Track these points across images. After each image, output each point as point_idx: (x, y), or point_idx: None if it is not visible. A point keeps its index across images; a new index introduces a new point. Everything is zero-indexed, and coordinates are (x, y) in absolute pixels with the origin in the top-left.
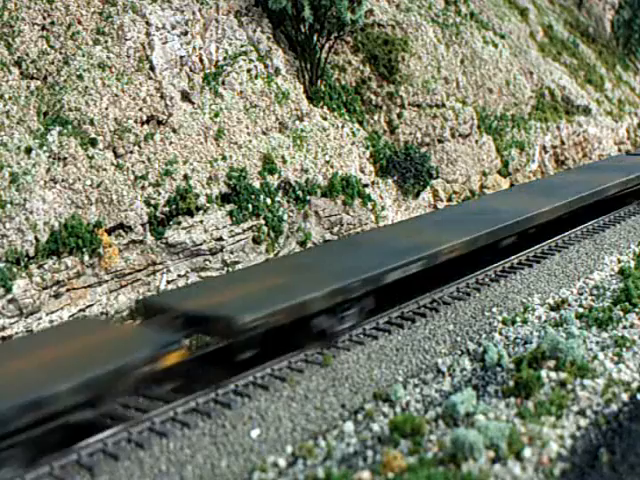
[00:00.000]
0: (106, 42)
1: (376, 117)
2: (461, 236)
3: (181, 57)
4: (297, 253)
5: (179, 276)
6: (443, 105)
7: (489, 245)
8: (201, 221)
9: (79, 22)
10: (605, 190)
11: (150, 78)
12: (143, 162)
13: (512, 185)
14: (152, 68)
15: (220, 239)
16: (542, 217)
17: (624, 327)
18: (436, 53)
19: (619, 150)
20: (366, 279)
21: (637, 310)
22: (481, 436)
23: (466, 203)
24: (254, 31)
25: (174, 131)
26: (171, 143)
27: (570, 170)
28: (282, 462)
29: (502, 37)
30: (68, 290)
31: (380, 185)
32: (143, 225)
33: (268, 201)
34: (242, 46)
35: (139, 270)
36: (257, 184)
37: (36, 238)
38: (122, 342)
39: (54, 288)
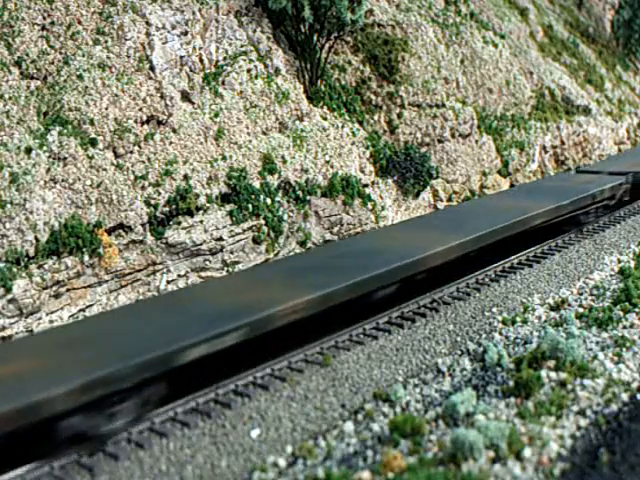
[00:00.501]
0: (106, 42)
1: (376, 117)
2: (310, 291)
3: (181, 57)
4: (78, 322)
5: (179, 276)
6: (443, 105)
7: (354, 300)
8: (201, 221)
9: (79, 22)
10: (529, 220)
11: (150, 78)
12: (143, 162)
13: (512, 185)
14: (152, 68)
15: (220, 239)
16: (434, 259)
17: (624, 327)
18: (436, 53)
19: (619, 150)
20: (145, 363)
21: (637, 310)
22: (481, 436)
23: (341, 243)
24: (254, 31)
25: (174, 131)
26: (171, 143)
27: (499, 193)
28: (282, 462)
29: (502, 37)
30: (68, 290)
31: (380, 185)
32: (143, 225)
33: (268, 201)
34: (242, 46)
35: (139, 270)
36: (257, 184)
37: (36, 238)
38: None
39: (54, 288)
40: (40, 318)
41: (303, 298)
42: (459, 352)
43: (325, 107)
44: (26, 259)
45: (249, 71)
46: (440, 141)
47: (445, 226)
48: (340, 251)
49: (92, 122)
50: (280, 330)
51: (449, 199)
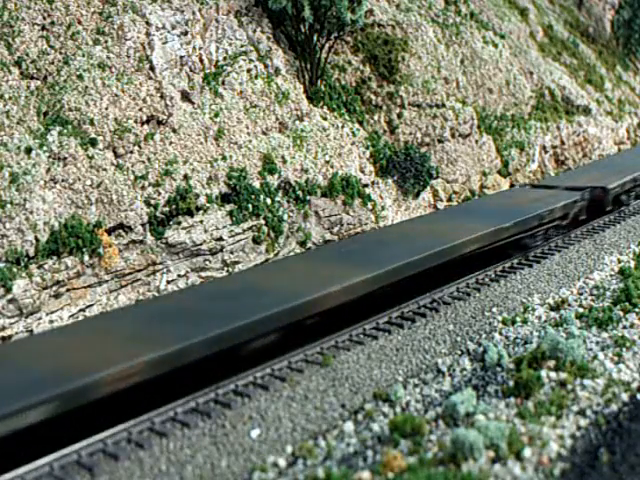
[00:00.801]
0: (106, 42)
1: (376, 117)
2: (153, 349)
3: (181, 57)
4: None
5: (179, 276)
6: (443, 105)
7: (216, 355)
8: (201, 221)
9: (79, 22)
10: (458, 247)
11: (150, 78)
12: (143, 162)
13: (512, 185)
14: (152, 68)
15: (220, 239)
16: (329, 300)
17: (624, 327)
18: (436, 53)
19: (619, 150)
20: None
21: (637, 310)
22: (481, 436)
23: (222, 280)
24: (254, 31)
25: (174, 131)
26: (171, 143)
27: (432, 214)
28: (282, 462)
29: (502, 37)
30: (68, 290)
31: (380, 185)
32: (143, 225)
33: (268, 201)
34: (242, 46)
35: (139, 270)
36: (257, 184)
37: (36, 238)
38: None
39: (54, 288)
40: (40, 318)
41: (139, 358)
42: (459, 352)
43: (325, 107)
44: (26, 259)
45: (249, 71)
46: (440, 141)
47: (354, 257)
48: (216, 291)
49: (92, 122)
50: (111, 399)
51: (449, 199)
